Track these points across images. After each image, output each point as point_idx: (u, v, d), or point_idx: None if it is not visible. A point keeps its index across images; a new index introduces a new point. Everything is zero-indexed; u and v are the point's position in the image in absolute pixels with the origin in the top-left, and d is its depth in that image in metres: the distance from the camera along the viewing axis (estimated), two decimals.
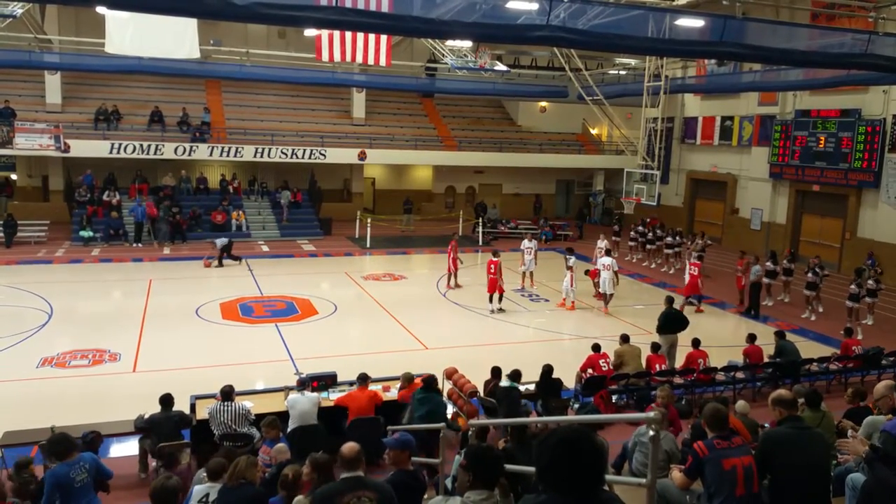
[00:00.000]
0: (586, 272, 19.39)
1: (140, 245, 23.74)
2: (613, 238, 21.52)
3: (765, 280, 18.37)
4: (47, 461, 6.48)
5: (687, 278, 17.79)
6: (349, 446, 4.49)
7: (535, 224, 28.88)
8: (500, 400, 9.40)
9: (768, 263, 18.60)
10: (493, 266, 16.84)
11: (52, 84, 26.65)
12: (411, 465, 5.49)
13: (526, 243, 19.55)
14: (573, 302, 17.56)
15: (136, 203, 24.21)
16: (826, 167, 23.01)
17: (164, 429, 8.17)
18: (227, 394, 8.38)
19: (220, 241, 21.43)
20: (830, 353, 12.85)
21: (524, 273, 19.45)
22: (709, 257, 21.56)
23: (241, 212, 26.40)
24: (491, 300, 16.96)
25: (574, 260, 17.90)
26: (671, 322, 12.78)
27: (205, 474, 5.88)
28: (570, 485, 2.45)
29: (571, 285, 17.39)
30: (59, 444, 6.09)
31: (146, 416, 8.42)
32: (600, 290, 17.52)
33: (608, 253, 18.72)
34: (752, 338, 12.40)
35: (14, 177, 27.77)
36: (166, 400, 8.39)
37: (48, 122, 24.77)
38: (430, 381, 8.72)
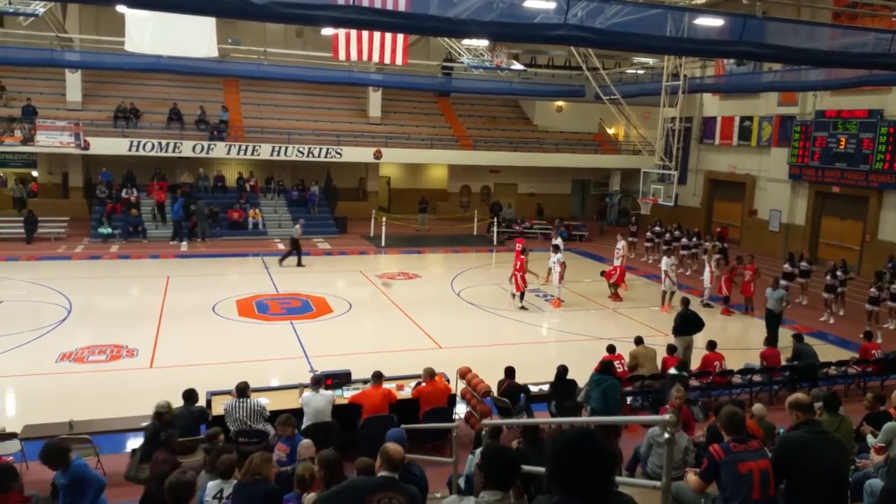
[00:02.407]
0: (602, 273, 19.35)
1: (185, 242, 24.04)
2: (630, 239, 21.37)
3: (782, 282, 18.18)
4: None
5: (707, 279, 18.03)
6: (395, 448, 4.48)
7: (549, 224, 28.79)
8: (666, 387, 9.99)
9: (786, 265, 18.44)
10: (518, 262, 17.23)
11: (73, 82, 26.93)
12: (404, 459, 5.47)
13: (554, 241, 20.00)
14: (558, 299, 17.79)
15: (178, 204, 24.54)
16: (846, 168, 22.74)
17: (184, 422, 8.22)
18: (243, 390, 8.44)
19: (296, 230, 21.63)
20: (849, 357, 12.71)
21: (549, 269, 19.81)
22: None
23: (257, 210, 26.57)
24: (519, 297, 17.32)
25: (560, 257, 17.95)
26: (687, 323, 12.70)
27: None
28: (578, 487, 2.45)
29: (559, 282, 17.76)
30: (56, 454, 6.03)
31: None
32: (662, 288, 18.05)
33: (668, 254, 19.24)
34: (769, 340, 12.29)
35: (35, 174, 28.12)
36: (190, 395, 8.46)
37: (68, 119, 25.01)
38: (608, 364, 9.60)
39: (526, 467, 4.45)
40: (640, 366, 11.31)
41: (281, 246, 24.58)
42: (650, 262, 23.71)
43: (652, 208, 25.19)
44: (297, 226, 21.88)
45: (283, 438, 7.43)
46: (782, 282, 18.12)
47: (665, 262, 18.09)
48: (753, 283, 17.34)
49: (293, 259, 21.21)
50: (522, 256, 17.34)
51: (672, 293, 17.78)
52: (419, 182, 33.19)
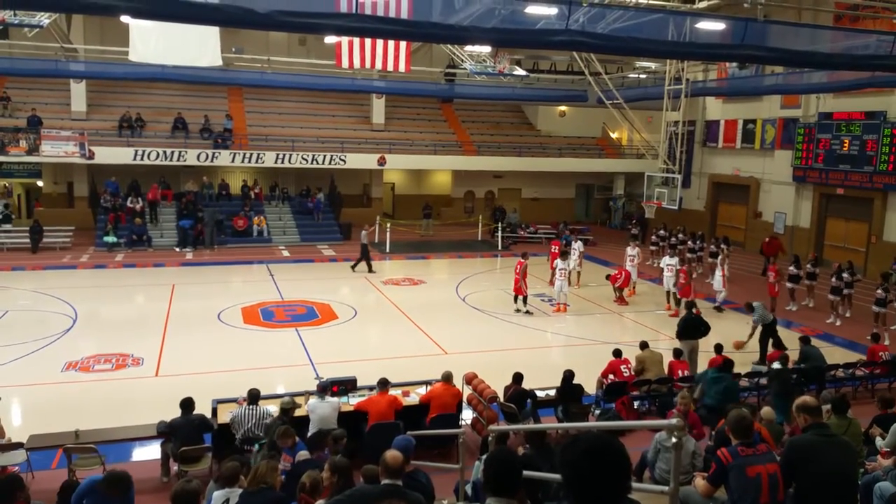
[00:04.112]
0: (607, 277, 19.32)
1: (189, 249, 24.19)
2: (633, 242, 21.44)
3: (788, 285, 18.21)
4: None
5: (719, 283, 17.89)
6: (393, 455, 4.49)
7: (554, 228, 28.76)
8: (771, 380, 10.53)
9: (791, 268, 18.39)
10: (518, 267, 17.14)
11: (78, 92, 27.08)
12: (410, 466, 5.47)
13: (575, 245, 20.66)
14: (565, 304, 17.71)
15: (189, 220, 24.79)
16: (850, 170, 22.68)
17: (183, 432, 8.22)
18: (255, 397, 8.44)
19: (363, 235, 21.83)
20: (856, 359, 12.65)
21: (573, 272, 20.25)
22: (732, 261, 21.32)
23: (262, 217, 26.62)
24: (515, 300, 17.22)
25: (568, 264, 18.03)
26: (691, 328, 12.64)
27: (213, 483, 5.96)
28: (598, 494, 2.40)
29: (568, 286, 17.92)
30: (123, 481, 5.90)
31: (167, 421, 8.48)
32: (665, 288, 18.19)
33: (673, 250, 19.54)
34: (776, 343, 12.25)
35: (40, 183, 28.23)
36: (187, 404, 8.42)
37: (73, 129, 25.14)
38: (727, 362, 10.15)
39: (533, 473, 4.44)
40: (646, 370, 11.27)
41: (286, 253, 24.62)
42: (655, 265, 23.64)
43: (656, 212, 25.14)
44: (364, 231, 21.99)
45: (285, 449, 7.41)
46: (788, 285, 18.18)
47: (665, 261, 18.37)
48: (778, 286, 17.44)
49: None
50: (523, 261, 17.29)
51: (674, 293, 17.85)
52: (423, 188, 33.22)
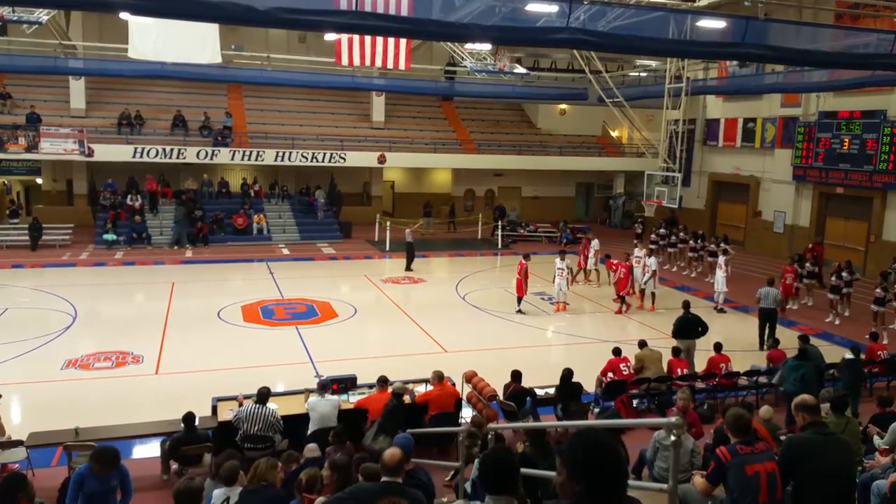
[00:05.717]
0: (611, 280, 19.32)
1: (178, 247, 24.27)
2: (635, 241, 21.47)
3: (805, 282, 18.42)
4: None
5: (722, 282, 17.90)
6: (391, 453, 4.50)
7: (554, 227, 28.77)
8: (841, 371, 10.78)
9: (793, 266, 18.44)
10: (520, 268, 17.14)
11: (77, 89, 27.05)
12: (410, 464, 5.47)
13: (591, 243, 20.81)
14: (564, 303, 17.73)
15: (173, 223, 24.87)
16: (850, 169, 22.67)
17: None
18: (264, 396, 8.42)
19: (407, 233, 22.12)
20: None
21: (590, 271, 20.68)
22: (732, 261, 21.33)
23: (261, 215, 26.62)
24: (520, 300, 17.21)
25: (567, 263, 18.01)
26: (687, 328, 12.62)
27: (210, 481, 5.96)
28: (609, 486, 2.44)
29: (568, 287, 18.04)
30: (111, 456, 6.05)
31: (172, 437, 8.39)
32: (648, 289, 18.15)
33: (652, 253, 19.43)
34: (775, 342, 12.26)
35: (39, 181, 28.22)
36: (189, 418, 8.17)
37: (73, 126, 25.13)
38: (804, 350, 10.44)
39: (532, 471, 4.44)
40: (645, 368, 11.28)
41: (286, 251, 24.62)
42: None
43: (656, 211, 25.16)
44: (408, 230, 22.21)
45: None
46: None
47: (654, 261, 18.38)
48: (793, 285, 17.90)
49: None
50: (524, 262, 17.22)
51: (652, 292, 18.03)
52: (423, 186, 33.21)
